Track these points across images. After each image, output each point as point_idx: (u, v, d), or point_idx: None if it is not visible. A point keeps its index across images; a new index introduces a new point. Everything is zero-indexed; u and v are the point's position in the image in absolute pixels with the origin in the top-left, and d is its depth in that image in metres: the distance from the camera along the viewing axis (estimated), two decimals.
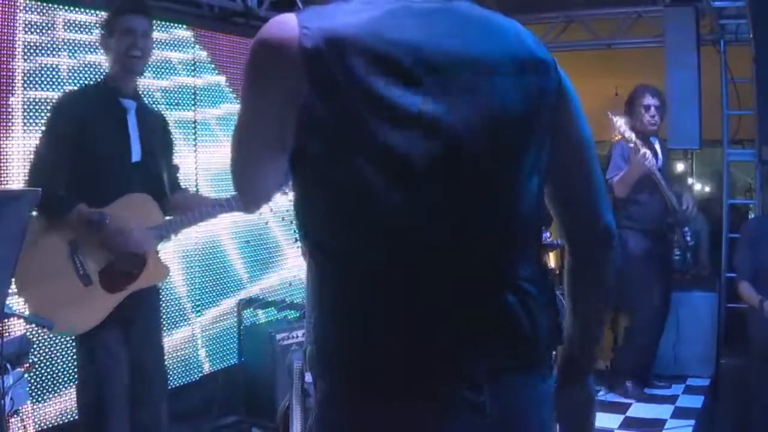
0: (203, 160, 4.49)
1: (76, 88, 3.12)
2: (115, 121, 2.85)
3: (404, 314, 1.18)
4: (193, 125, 4.45)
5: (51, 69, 3.52)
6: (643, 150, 4.41)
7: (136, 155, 2.88)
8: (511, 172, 1.22)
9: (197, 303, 4.48)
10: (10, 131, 3.32)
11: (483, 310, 1.20)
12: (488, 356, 1.20)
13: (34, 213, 2.59)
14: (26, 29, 3.41)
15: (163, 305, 3.62)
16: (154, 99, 4.13)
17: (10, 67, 3.36)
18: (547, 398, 1.29)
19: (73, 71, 3.62)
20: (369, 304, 1.19)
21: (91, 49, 3.60)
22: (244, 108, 1.27)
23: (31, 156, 2.86)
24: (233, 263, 4.77)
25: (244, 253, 4.83)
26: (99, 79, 2.96)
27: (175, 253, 4.22)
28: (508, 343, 1.22)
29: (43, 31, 3.51)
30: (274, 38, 1.18)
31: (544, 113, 1.26)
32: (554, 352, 1.33)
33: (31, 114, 3.41)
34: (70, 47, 3.63)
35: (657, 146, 4.74)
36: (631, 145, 4.41)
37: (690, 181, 6.35)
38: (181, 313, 4.35)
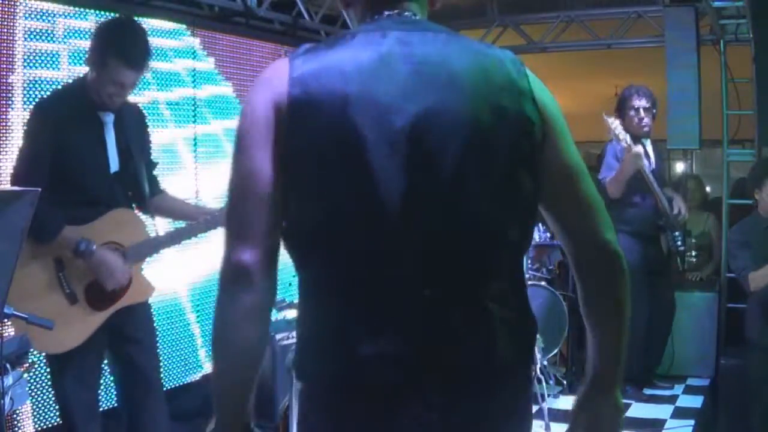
0: (203, 157, 4.50)
1: (55, 93, 2.98)
2: (93, 134, 2.81)
3: (368, 326, 1.25)
4: (192, 117, 4.46)
5: (51, 78, 3.51)
6: (635, 149, 4.41)
7: (114, 166, 2.85)
8: (486, 193, 1.28)
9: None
10: (10, 132, 3.32)
11: (441, 326, 1.25)
12: (440, 372, 1.25)
13: None
14: (26, 36, 3.41)
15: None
16: (154, 104, 4.14)
17: (11, 59, 3.37)
18: (510, 424, 1.34)
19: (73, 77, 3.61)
20: (338, 315, 1.27)
21: None
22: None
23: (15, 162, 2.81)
24: None
25: None
26: (77, 85, 2.85)
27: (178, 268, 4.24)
28: (463, 361, 1.27)
29: (44, 37, 3.50)
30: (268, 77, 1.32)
31: (523, 139, 1.30)
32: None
33: None
34: (72, 53, 3.61)
35: (649, 148, 4.73)
36: (624, 144, 4.41)
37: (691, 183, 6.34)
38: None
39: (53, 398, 3.49)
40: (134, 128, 2.96)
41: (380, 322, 1.24)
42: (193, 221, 2.99)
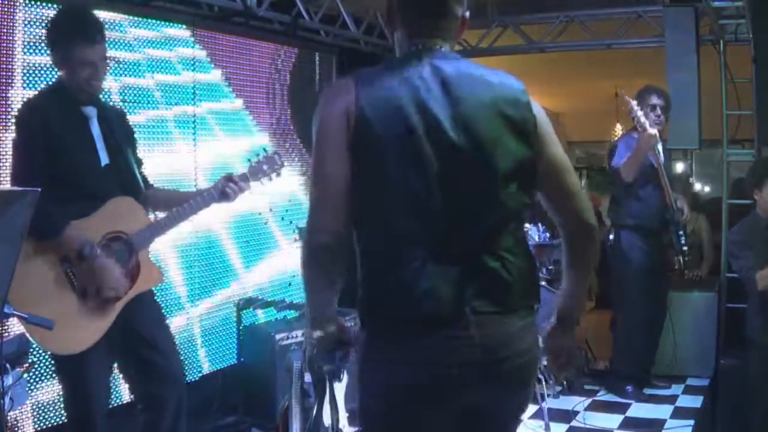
0: (202, 158, 4.50)
1: (35, 95, 3.01)
2: (79, 130, 2.82)
3: (422, 274, 1.72)
4: (192, 123, 4.46)
5: (51, 68, 3.51)
6: (651, 130, 4.44)
7: (104, 159, 2.86)
8: (495, 176, 1.78)
9: (193, 295, 4.49)
10: (8, 132, 3.31)
11: (471, 270, 1.75)
12: (474, 302, 1.74)
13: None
14: (26, 28, 3.40)
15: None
16: (153, 98, 4.14)
17: (10, 66, 3.37)
18: (525, 332, 1.81)
19: None
20: (396, 264, 1.73)
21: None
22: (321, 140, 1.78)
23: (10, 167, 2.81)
24: (230, 259, 4.79)
25: (242, 251, 4.86)
26: (57, 85, 2.88)
27: (171, 248, 4.24)
28: (488, 293, 1.76)
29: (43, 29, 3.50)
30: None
31: (521, 137, 1.81)
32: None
33: None
34: None
35: (659, 146, 4.77)
36: (641, 122, 4.43)
37: (690, 180, 6.42)
38: (177, 304, 4.36)
39: (53, 398, 3.50)
40: (118, 124, 2.98)
41: (430, 269, 1.72)
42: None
